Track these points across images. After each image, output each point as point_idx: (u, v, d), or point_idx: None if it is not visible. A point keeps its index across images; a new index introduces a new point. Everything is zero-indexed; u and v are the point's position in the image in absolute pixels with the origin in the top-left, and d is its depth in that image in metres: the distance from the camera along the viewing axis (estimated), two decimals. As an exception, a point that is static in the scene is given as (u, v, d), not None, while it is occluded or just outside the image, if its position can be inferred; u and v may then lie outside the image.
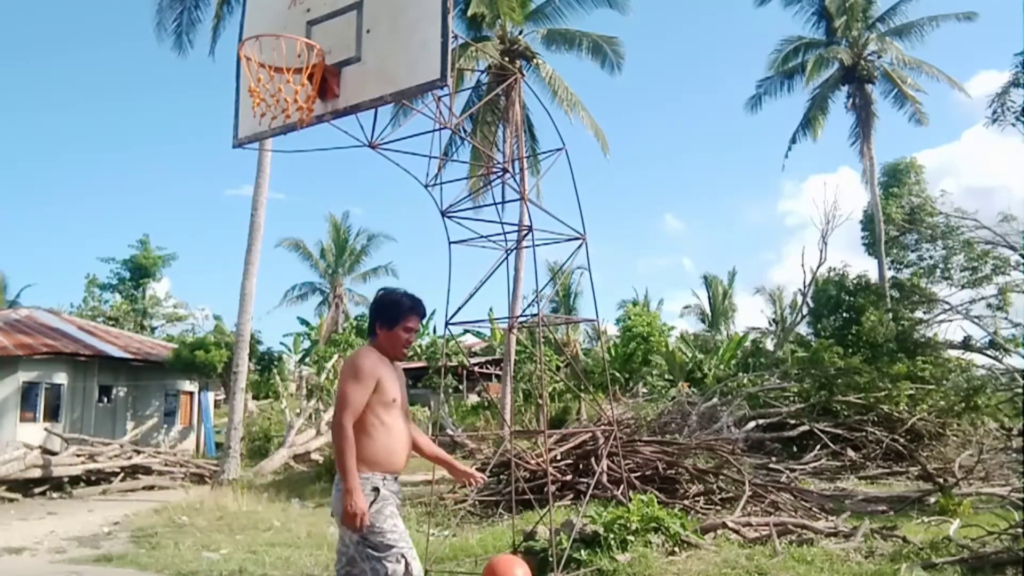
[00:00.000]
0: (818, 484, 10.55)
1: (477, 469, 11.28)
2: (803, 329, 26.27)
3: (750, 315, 69.46)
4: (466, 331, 30.14)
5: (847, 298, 21.27)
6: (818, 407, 13.94)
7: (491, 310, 26.33)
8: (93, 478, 14.50)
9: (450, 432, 20.62)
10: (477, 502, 9.77)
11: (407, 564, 3.12)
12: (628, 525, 6.18)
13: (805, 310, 25.89)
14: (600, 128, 20.42)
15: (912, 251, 24.64)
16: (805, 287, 25.51)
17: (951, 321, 20.48)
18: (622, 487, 8.06)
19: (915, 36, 25.39)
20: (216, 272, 73.82)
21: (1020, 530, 5.84)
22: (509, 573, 2.11)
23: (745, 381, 17.07)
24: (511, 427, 11.72)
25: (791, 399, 14.96)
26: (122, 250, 38.34)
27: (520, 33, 19.76)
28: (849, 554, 6.00)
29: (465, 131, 17.81)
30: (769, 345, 29.53)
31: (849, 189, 67.27)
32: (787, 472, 10.70)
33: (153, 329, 36.01)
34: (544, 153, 15.60)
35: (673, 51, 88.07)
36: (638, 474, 9.22)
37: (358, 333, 35.11)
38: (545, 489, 7.78)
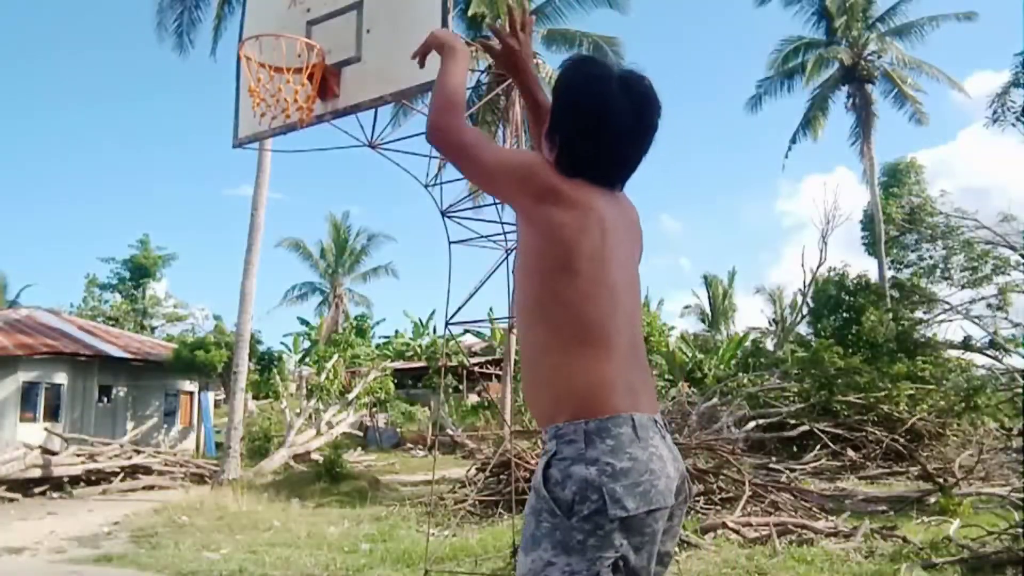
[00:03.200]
0: (818, 484, 10.55)
1: (477, 469, 11.37)
2: (803, 329, 26.29)
3: (750, 315, 69.35)
4: (466, 331, 30.17)
5: (847, 298, 21.27)
6: (818, 407, 13.93)
7: (491, 310, 26.31)
8: (93, 478, 14.49)
9: (450, 432, 20.64)
10: (477, 502, 9.78)
11: None
12: (628, 525, 6.16)
13: (805, 310, 25.90)
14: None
15: (912, 251, 24.65)
16: (805, 287, 25.52)
17: (951, 321, 20.53)
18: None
19: (915, 36, 25.40)
20: (216, 272, 73.78)
21: (1020, 530, 5.84)
22: None
23: (745, 381, 17.07)
24: (511, 427, 11.72)
25: (791, 399, 14.96)
26: (122, 250, 38.37)
27: (520, 33, 19.76)
28: (849, 554, 6.01)
29: (465, 131, 17.79)
30: (769, 345, 29.52)
31: (847, 189, 67.48)
32: (787, 472, 10.71)
33: (153, 329, 36.01)
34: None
35: (673, 51, 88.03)
36: (638, 474, 9.19)
37: (358, 333, 35.12)
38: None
